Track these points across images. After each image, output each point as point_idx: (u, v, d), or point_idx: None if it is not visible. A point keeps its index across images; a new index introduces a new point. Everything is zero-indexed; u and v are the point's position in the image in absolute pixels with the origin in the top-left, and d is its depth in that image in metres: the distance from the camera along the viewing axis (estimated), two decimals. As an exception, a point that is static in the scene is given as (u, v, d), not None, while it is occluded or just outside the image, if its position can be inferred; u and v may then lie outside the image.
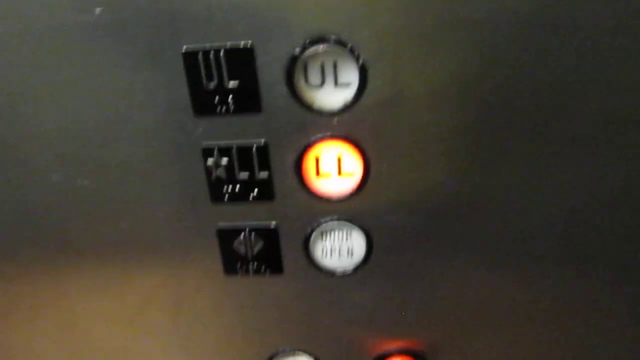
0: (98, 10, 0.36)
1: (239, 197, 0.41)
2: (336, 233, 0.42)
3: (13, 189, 0.43)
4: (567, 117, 0.36)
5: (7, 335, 0.51)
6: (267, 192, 0.41)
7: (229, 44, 0.36)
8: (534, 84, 0.35)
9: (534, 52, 0.34)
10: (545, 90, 0.35)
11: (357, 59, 0.36)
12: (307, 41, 0.35)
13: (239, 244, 0.43)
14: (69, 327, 0.49)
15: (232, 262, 0.44)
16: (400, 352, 0.47)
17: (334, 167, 0.40)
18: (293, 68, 0.36)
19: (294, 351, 0.48)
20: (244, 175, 0.40)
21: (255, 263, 0.44)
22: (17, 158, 0.42)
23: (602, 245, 0.41)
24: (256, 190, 0.41)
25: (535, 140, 0.37)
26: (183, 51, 0.37)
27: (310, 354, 0.48)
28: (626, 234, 0.40)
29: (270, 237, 0.43)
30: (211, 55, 0.36)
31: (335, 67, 0.36)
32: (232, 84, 0.37)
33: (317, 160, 0.40)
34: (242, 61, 0.36)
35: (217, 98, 0.38)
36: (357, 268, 0.43)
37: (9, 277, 0.47)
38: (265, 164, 0.40)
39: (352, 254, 0.43)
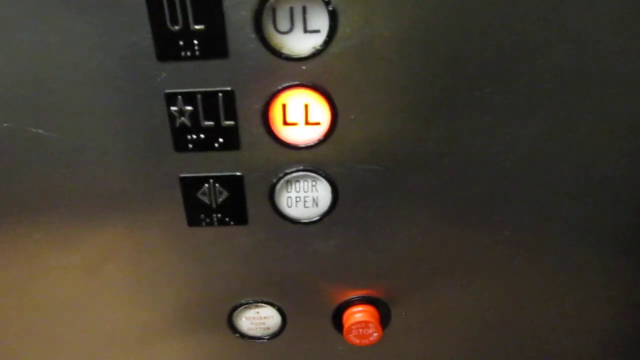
0: (54, -57, 0.34)
1: (204, 146, 0.40)
2: (302, 183, 0.42)
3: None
4: (530, 69, 0.37)
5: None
6: (232, 140, 0.40)
7: (194, -16, 0.35)
8: (501, 36, 0.36)
9: (503, 3, 0.35)
10: (512, 42, 0.36)
11: (327, 4, 0.35)
12: (276, -16, 0.35)
13: (203, 194, 0.43)
14: (28, 281, 0.48)
15: (196, 213, 0.43)
16: (362, 301, 0.49)
17: (301, 116, 0.39)
18: (261, 12, 0.35)
19: (257, 302, 0.49)
20: (209, 123, 0.39)
21: (220, 214, 0.43)
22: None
23: (553, 195, 0.42)
24: (221, 139, 0.40)
25: (499, 92, 0.38)
26: (146, -9, 0.35)
27: (273, 305, 0.49)
28: (573, 183, 0.42)
29: (235, 186, 0.42)
30: (176, -4, 0.35)
31: (304, 12, 0.36)
32: (198, 27, 0.36)
33: (284, 108, 0.39)
34: (208, 4, 0.35)
35: (181, 42, 0.36)
36: (322, 218, 0.44)
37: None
38: (231, 112, 0.39)
39: (317, 204, 0.43)
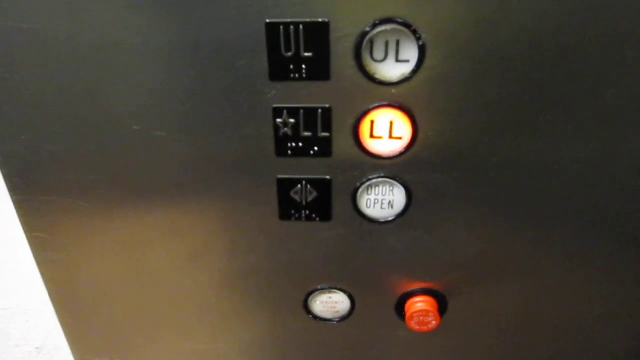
0: (193, -18, 0.41)
1: (301, 153, 0.47)
2: (380, 187, 0.49)
3: (95, 135, 0.48)
4: (592, 102, 0.43)
5: (75, 268, 0.57)
6: (325, 149, 0.47)
7: (307, 19, 0.41)
8: (567, 70, 0.42)
9: (576, 36, 0.41)
10: (577, 76, 0.42)
11: (417, 39, 0.41)
12: (376, 20, 0.41)
13: (295, 192, 0.49)
14: (134, 263, 0.56)
15: (288, 209, 0.50)
16: (423, 292, 0.55)
17: (386, 131, 0.46)
18: (361, 43, 0.42)
19: (330, 289, 0.56)
20: (307, 133, 0.46)
21: (308, 210, 0.50)
22: (103, 106, 0.47)
23: (606, 214, 0.48)
24: (316, 147, 0.47)
25: (561, 118, 0.44)
26: (266, 22, 0.42)
27: (345, 291, 0.56)
28: (628, 207, 0.48)
29: (323, 188, 0.49)
30: (291, 28, 0.42)
31: (397, 44, 0.42)
32: (307, 54, 0.43)
33: (372, 124, 0.46)
34: (317, 34, 0.42)
35: (291, 66, 0.43)
36: (396, 218, 0.50)
37: (84, 212, 0.53)
38: (327, 125, 0.46)
39: (392, 206, 0.50)
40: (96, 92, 0.46)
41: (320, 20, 0.41)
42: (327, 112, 0.45)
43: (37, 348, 1.25)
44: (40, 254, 0.57)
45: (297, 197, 0.50)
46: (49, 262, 0.58)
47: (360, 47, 0.42)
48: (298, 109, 0.45)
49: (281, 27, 0.42)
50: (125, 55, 0.45)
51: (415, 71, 0.43)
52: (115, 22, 0.43)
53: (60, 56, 0.45)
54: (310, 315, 0.58)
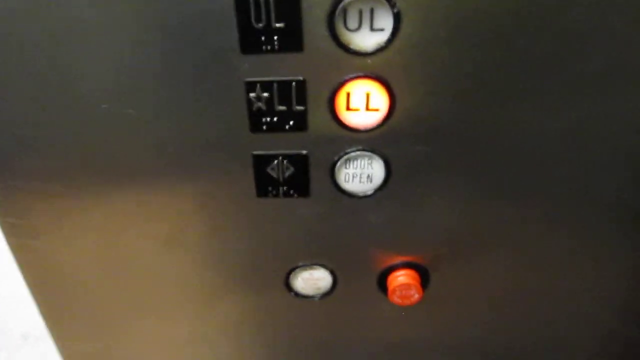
0: (157, -49, 0.39)
1: (276, 128, 0.46)
2: (359, 161, 0.48)
3: (65, 116, 0.47)
4: (572, 67, 0.42)
5: (55, 252, 0.56)
6: (301, 123, 0.46)
7: (277, -12, 0.40)
8: (546, 37, 0.41)
9: (552, 10, 0.40)
10: (557, 43, 0.41)
11: (392, 6, 0.40)
12: (349, -12, 0.40)
13: (272, 169, 0.48)
14: (110, 248, 0.54)
15: (265, 186, 0.49)
16: (405, 266, 0.55)
17: (363, 103, 0.45)
18: (334, 12, 0.41)
19: (312, 265, 0.55)
20: (282, 107, 0.45)
21: (285, 187, 0.49)
22: (70, 90, 0.45)
23: (588, 175, 0.48)
24: (292, 121, 0.46)
25: (540, 84, 0.43)
26: (235, -6, 0.40)
27: (326, 267, 0.55)
28: (612, 172, 0.47)
29: (300, 163, 0.48)
30: (261, -1, 0.40)
31: (371, 13, 0.41)
32: (278, 25, 0.41)
33: (348, 96, 0.45)
34: (288, 4, 0.40)
35: (263, 38, 0.42)
36: (375, 192, 0.49)
37: (60, 196, 0.51)
38: (302, 98, 0.44)
39: (371, 180, 0.49)
40: (63, 72, 0.45)
41: (290, -11, 0.40)
42: (301, 85, 0.44)
43: (22, 335, 1.24)
44: (13, 240, 0.56)
45: (274, 174, 0.49)
46: (23, 249, 0.56)
47: (333, 17, 0.41)
48: (271, 82, 0.44)
49: (251, -3, 0.40)
50: (92, 34, 0.43)
51: (390, 40, 0.42)
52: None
53: (26, 37, 0.43)
54: (293, 293, 0.57)
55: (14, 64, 0.45)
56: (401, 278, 0.54)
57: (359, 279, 0.56)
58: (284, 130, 0.46)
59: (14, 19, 0.42)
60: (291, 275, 0.56)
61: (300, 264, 0.55)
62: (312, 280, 0.56)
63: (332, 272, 0.56)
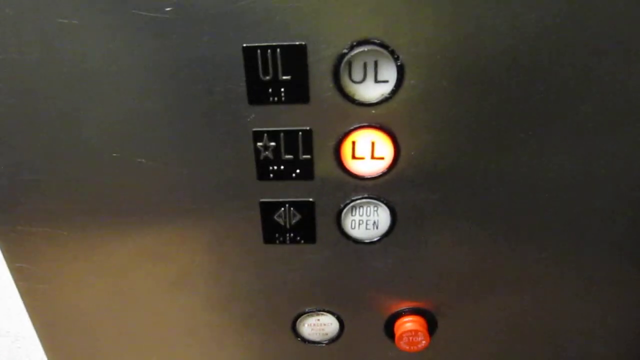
0: (168, 9, 0.41)
1: (283, 176, 0.47)
2: (365, 208, 0.49)
3: (75, 163, 0.48)
4: (571, 114, 0.43)
5: (59, 297, 0.56)
6: (307, 171, 0.46)
7: (284, 42, 0.41)
8: (546, 84, 0.42)
9: (552, 53, 0.41)
10: (556, 89, 0.42)
11: (396, 59, 0.41)
12: (354, 42, 0.41)
13: (279, 216, 0.49)
14: (117, 290, 0.55)
15: (272, 232, 0.50)
16: (412, 312, 0.55)
17: (368, 152, 0.46)
18: (339, 65, 0.42)
19: (318, 311, 0.55)
20: (288, 156, 0.46)
21: (292, 233, 0.50)
22: (82, 135, 0.46)
23: (592, 222, 0.48)
24: (298, 170, 0.46)
25: (541, 130, 0.44)
26: (243, 46, 0.42)
27: (333, 313, 0.55)
28: (614, 213, 0.47)
29: (307, 210, 0.49)
30: (268, 52, 0.42)
31: (376, 65, 0.42)
32: (285, 77, 0.42)
33: (353, 145, 0.45)
34: (295, 58, 0.42)
35: (270, 89, 0.43)
36: (381, 239, 0.50)
37: (65, 241, 0.52)
38: (308, 148, 0.45)
39: (377, 227, 0.49)
40: (74, 120, 0.46)
41: (297, 43, 0.41)
42: (307, 134, 0.45)
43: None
44: (23, 284, 0.57)
45: (280, 221, 0.49)
46: (32, 293, 0.57)
47: (338, 69, 0.42)
48: (278, 132, 0.45)
49: (258, 51, 0.42)
50: (102, 82, 0.44)
51: (394, 91, 0.43)
52: (90, 50, 0.43)
53: (37, 85, 0.44)
54: (299, 339, 0.57)
55: (25, 111, 0.46)
56: (408, 324, 0.54)
57: (366, 325, 0.56)
58: (290, 178, 0.47)
59: (27, 68, 0.44)
60: (298, 321, 0.56)
61: (307, 309, 0.55)
62: (319, 326, 0.56)
63: (339, 318, 0.56)
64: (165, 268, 0.53)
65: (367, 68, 0.42)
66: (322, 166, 0.46)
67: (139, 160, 0.47)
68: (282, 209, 0.49)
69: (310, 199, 0.48)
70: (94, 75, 0.44)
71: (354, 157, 0.46)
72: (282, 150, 0.46)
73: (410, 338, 0.54)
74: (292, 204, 0.48)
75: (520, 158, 0.45)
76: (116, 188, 0.49)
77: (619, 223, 0.48)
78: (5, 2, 0.41)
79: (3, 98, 0.45)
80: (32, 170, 0.49)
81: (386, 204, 0.48)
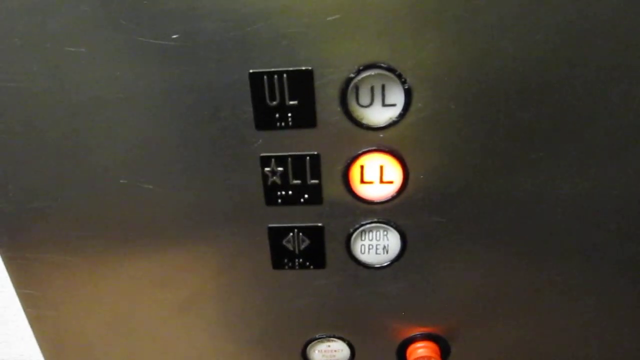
0: (175, 36, 0.41)
1: (291, 201, 0.46)
2: (374, 232, 0.48)
3: (83, 190, 0.48)
4: (579, 138, 0.42)
5: (67, 323, 0.56)
6: (316, 196, 0.46)
7: (291, 67, 0.41)
8: (554, 108, 0.41)
9: (561, 75, 0.40)
10: (563, 113, 0.41)
11: (403, 83, 0.41)
12: (361, 66, 0.41)
13: (288, 241, 0.48)
14: (125, 316, 0.54)
15: (281, 258, 0.49)
16: (424, 337, 0.53)
17: (377, 176, 0.45)
18: (346, 89, 0.41)
19: (329, 337, 0.54)
20: (296, 181, 0.45)
21: (301, 259, 0.49)
22: (90, 162, 0.46)
23: (604, 245, 0.47)
24: (306, 195, 0.46)
25: (550, 152, 0.43)
26: (250, 72, 0.41)
27: (344, 339, 0.54)
28: (627, 235, 0.46)
29: (316, 235, 0.48)
30: (275, 77, 0.41)
31: (383, 89, 0.42)
32: (292, 102, 0.42)
33: (362, 169, 0.45)
34: (301, 83, 0.41)
35: (277, 115, 0.43)
36: (391, 263, 0.49)
37: (74, 267, 0.52)
38: (316, 172, 0.45)
39: (387, 251, 0.49)
40: (82, 147, 0.46)
41: (304, 68, 0.41)
42: (315, 159, 0.44)
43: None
44: (31, 311, 0.56)
45: (289, 246, 0.49)
46: (41, 319, 0.57)
47: (345, 93, 0.42)
48: (286, 157, 0.45)
49: (265, 76, 0.41)
50: (109, 110, 0.44)
51: (402, 115, 0.42)
52: (99, 77, 0.43)
53: (46, 113, 0.45)
54: (310, 365, 0.56)
55: (33, 139, 0.46)
56: (421, 350, 0.53)
57: (378, 351, 0.55)
58: (299, 203, 0.46)
59: (35, 96, 0.44)
60: (308, 347, 0.55)
61: (317, 335, 0.54)
62: (330, 352, 0.55)
63: (350, 344, 0.55)
64: (173, 294, 0.53)
65: (375, 92, 0.42)
66: (331, 191, 0.46)
67: (147, 186, 0.47)
68: (291, 234, 0.48)
69: (319, 224, 0.48)
70: (101, 103, 0.44)
71: (362, 181, 0.45)
72: (290, 175, 0.45)
73: (423, 364, 0.53)
74: (300, 229, 0.48)
75: (530, 180, 0.45)
76: (124, 214, 0.49)
77: (631, 246, 0.47)
78: (14, 31, 0.41)
79: (12, 126, 0.45)
80: (40, 198, 0.49)
81: (396, 228, 0.47)
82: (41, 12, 0.40)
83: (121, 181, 0.47)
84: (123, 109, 0.44)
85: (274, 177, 0.45)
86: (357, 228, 0.47)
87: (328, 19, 0.39)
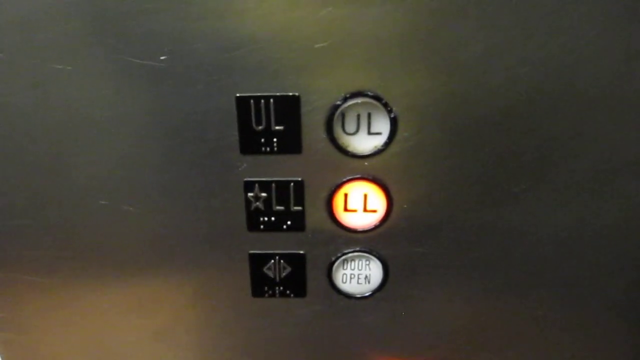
0: (163, 57, 0.41)
1: (273, 227, 0.46)
2: (357, 262, 0.47)
3: (61, 210, 0.47)
4: (562, 170, 0.42)
5: (38, 348, 0.54)
6: (299, 223, 0.46)
7: (278, 92, 0.41)
8: (538, 141, 0.42)
9: (547, 105, 0.41)
10: (547, 146, 0.42)
11: (389, 112, 0.41)
12: (347, 94, 0.41)
13: (269, 268, 0.48)
14: (98, 340, 0.53)
15: (261, 285, 0.48)
16: (405, 370, 0.53)
17: (360, 204, 0.45)
18: (333, 116, 0.42)
19: (308, 368, 0.53)
20: (279, 208, 0.45)
21: (282, 287, 0.48)
22: (70, 181, 0.45)
23: (590, 274, 0.47)
24: (289, 221, 0.45)
25: (534, 184, 0.43)
26: (237, 96, 0.41)
27: (323, 370, 0.53)
28: (610, 269, 0.46)
29: (297, 263, 0.47)
30: (262, 102, 0.41)
31: (369, 117, 0.42)
32: (278, 128, 0.42)
33: (345, 197, 0.45)
34: (288, 108, 0.41)
35: (262, 139, 0.43)
36: (373, 294, 0.48)
37: (48, 289, 0.50)
38: (300, 199, 0.45)
39: (369, 281, 0.48)
40: (63, 166, 0.45)
41: (290, 94, 0.41)
42: (299, 185, 0.44)
43: None
44: (1, 335, 0.54)
45: (270, 273, 0.48)
46: (9, 343, 0.55)
47: (331, 121, 0.42)
48: (270, 182, 0.44)
49: (252, 101, 0.41)
50: (93, 129, 0.44)
51: (387, 144, 0.42)
52: (84, 96, 0.42)
53: (28, 129, 0.44)
54: (287, 397, 0.55)
55: (13, 156, 0.45)
56: (401, 383, 0.52)
57: (357, 383, 0.54)
58: (281, 230, 0.46)
59: (18, 112, 0.43)
60: (286, 378, 0.54)
61: (296, 366, 0.53)
62: (308, 383, 0.54)
63: (329, 376, 0.54)
64: (149, 320, 0.51)
65: (361, 120, 0.42)
66: (314, 218, 0.45)
67: (127, 208, 0.46)
68: (272, 261, 0.47)
69: (301, 252, 0.47)
70: (85, 121, 0.43)
71: (346, 209, 0.45)
72: (274, 201, 0.45)
73: (403, 398, 0.52)
74: (282, 256, 0.47)
75: (513, 212, 0.45)
76: (102, 236, 0.48)
77: (615, 279, 0.47)
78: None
79: (-8, 143, 0.45)
80: (17, 216, 0.48)
81: (378, 258, 0.47)
82: (28, 27, 0.40)
83: (101, 202, 0.46)
84: (107, 129, 0.43)
85: (257, 203, 0.45)
86: (339, 257, 0.47)
87: (316, 46, 0.40)
